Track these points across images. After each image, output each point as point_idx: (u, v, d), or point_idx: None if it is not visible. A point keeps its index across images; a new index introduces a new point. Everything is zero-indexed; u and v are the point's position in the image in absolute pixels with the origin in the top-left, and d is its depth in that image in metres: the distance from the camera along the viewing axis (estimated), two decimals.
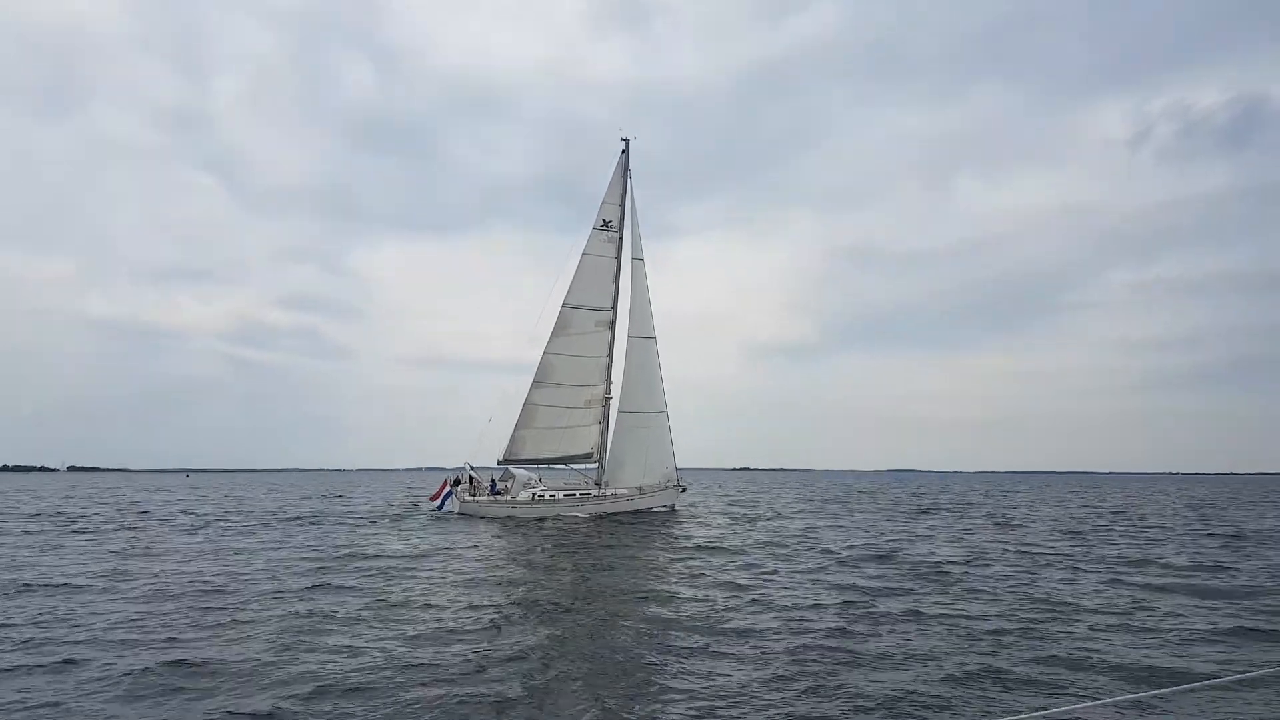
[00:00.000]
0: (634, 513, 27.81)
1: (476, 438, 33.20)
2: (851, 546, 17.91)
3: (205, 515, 28.47)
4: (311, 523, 24.83)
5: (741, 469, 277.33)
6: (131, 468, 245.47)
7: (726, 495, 48.62)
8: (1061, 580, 12.87)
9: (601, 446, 28.94)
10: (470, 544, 18.45)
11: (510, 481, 28.09)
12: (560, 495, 27.86)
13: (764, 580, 12.68)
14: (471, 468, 28.86)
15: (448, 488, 28.00)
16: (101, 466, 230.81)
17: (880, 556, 16.00)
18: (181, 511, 30.93)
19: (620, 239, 29.05)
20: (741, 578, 12.92)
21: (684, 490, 30.93)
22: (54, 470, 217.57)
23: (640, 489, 28.86)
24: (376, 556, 15.71)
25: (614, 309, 28.97)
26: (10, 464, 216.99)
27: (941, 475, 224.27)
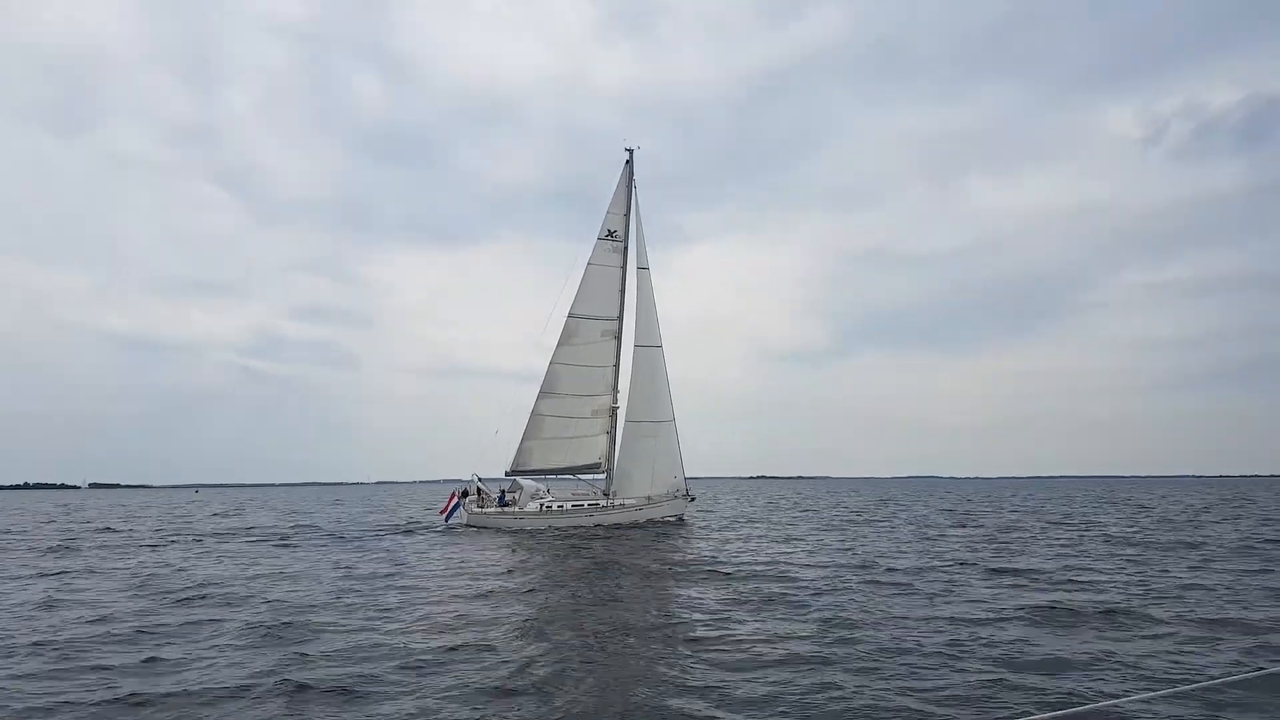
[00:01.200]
0: (642, 523, 27.64)
1: (483, 449, 33.27)
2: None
3: (280, 529, 28.66)
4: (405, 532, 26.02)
5: (759, 477, 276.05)
6: (152, 484, 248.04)
7: (740, 513, 48.00)
8: None
9: (609, 457, 28.84)
10: (476, 557, 18.40)
11: (518, 493, 28.06)
12: (568, 506, 27.78)
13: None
14: (479, 479, 28.86)
15: (455, 499, 27.98)
16: (122, 483, 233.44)
17: None
18: (251, 528, 30.71)
19: (625, 248, 29.07)
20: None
21: (693, 500, 30.73)
22: (76, 488, 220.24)
23: (648, 499, 28.70)
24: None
25: (620, 318, 28.95)
26: (32, 481, 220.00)
27: (963, 481, 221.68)
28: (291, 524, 32.09)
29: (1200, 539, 20.91)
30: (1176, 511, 36.12)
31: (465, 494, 28.36)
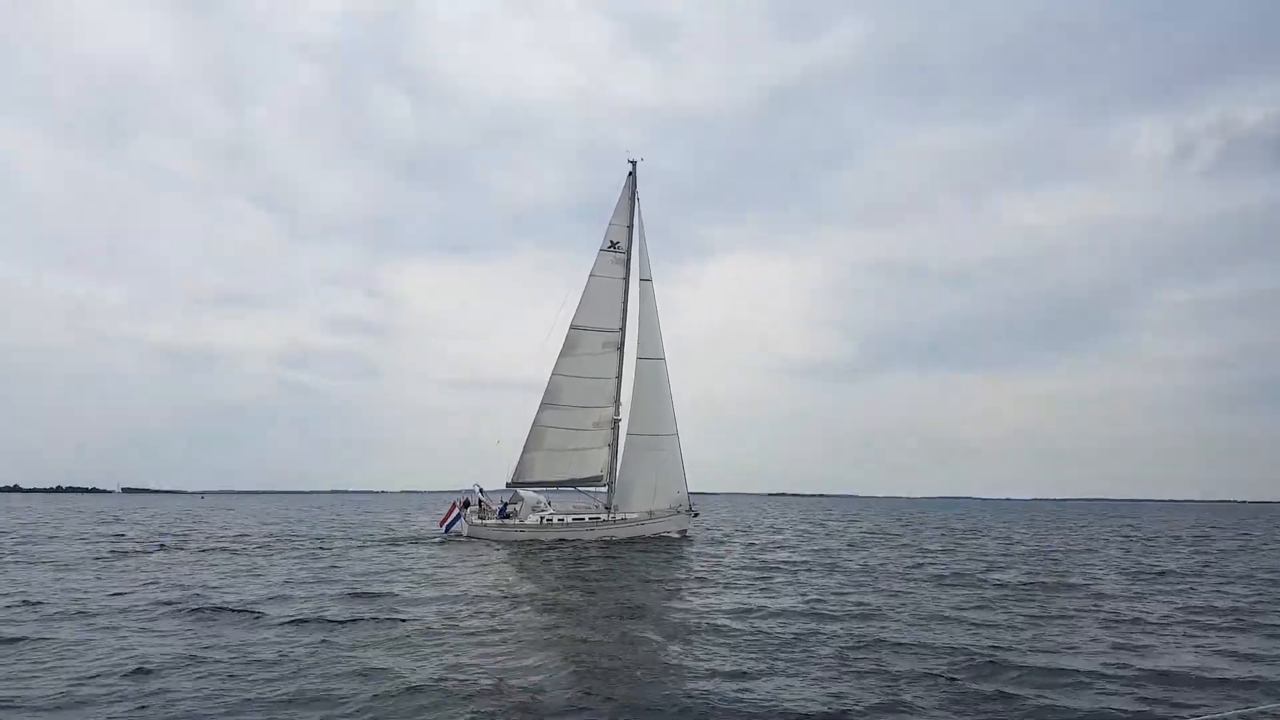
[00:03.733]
0: (643, 538, 27.30)
1: (486, 459, 33.20)
2: None
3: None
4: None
5: (779, 494, 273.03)
6: (185, 489, 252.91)
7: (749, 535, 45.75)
8: None
9: (610, 469, 28.60)
10: (472, 570, 18.26)
11: (519, 504, 27.91)
12: (569, 519, 27.55)
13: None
14: (481, 490, 28.78)
15: (456, 510, 27.92)
16: (153, 488, 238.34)
17: None
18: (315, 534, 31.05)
19: (628, 260, 28.95)
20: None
21: (696, 515, 30.30)
22: (108, 492, 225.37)
23: (650, 513, 28.37)
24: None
25: (622, 330, 28.79)
26: (64, 485, 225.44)
27: (992, 503, 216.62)
28: (273, 532, 32.29)
29: None
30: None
31: (467, 504, 28.29)
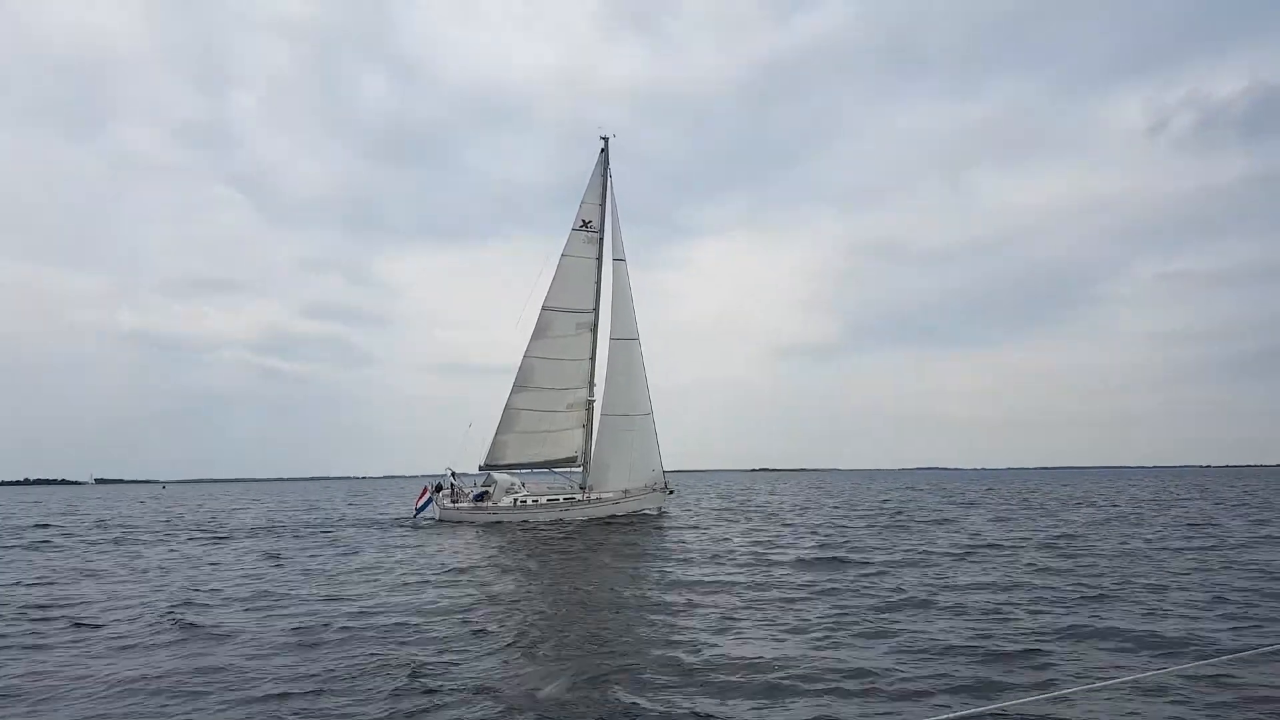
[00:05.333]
0: (619, 517, 27.28)
1: (459, 444, 32.94)
2: None
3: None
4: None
5: (761, 469, 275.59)
6: (160, 479, 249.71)
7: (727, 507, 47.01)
8: None
9: (585, 450, 28.48)
10: (440, 550, 18.07)
11: (493, 487, 27.74)
12: (543, 500, 27.45)
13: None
14: (453, 474, 28.55)
15: (428, 494, 27.69)
16: (126, 479, 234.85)
17: None
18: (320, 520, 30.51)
19: (601, 240, 28.60)
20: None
21: (671, 493, 30.35)
22: (80, 484, 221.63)
23: (626, 492, 28.36)
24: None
25: (595, 311, 28.53)
26: (32, 477, 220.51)
27: (969, 473, 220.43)
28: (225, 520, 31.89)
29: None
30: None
31: (439, 488, 28.06)
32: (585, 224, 28.40)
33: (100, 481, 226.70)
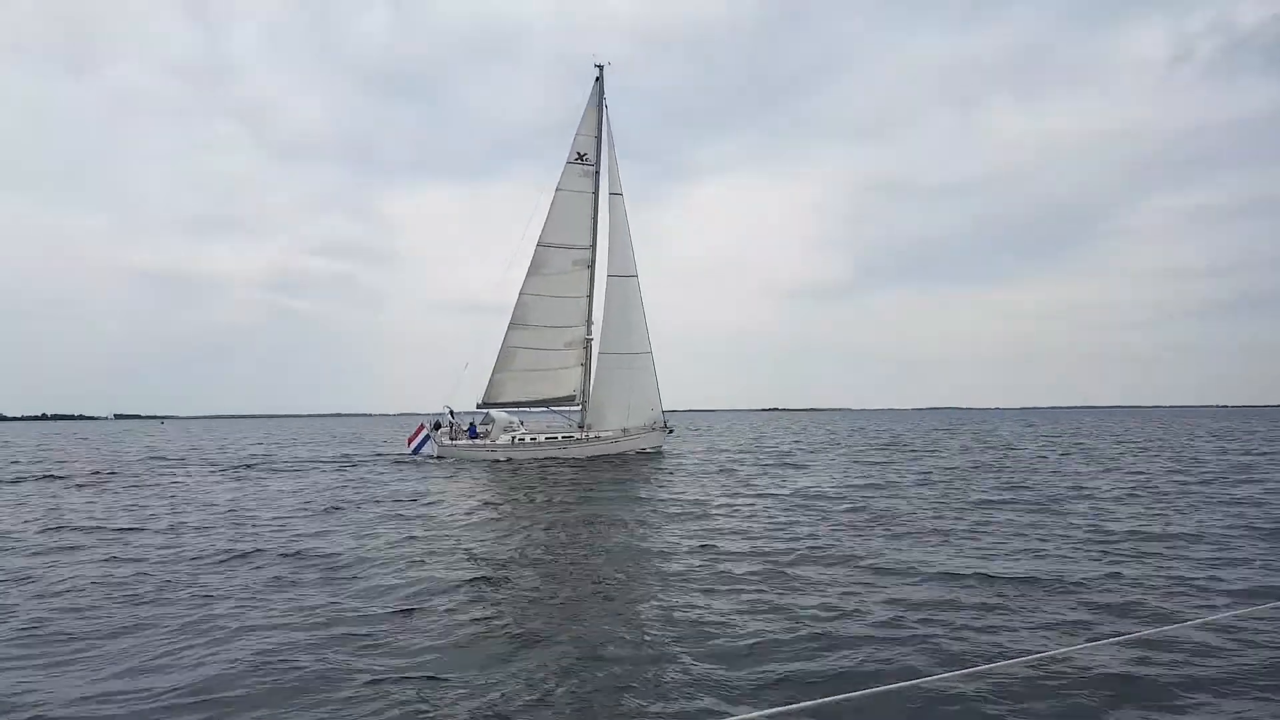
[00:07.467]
0: (618, 455, 27.33)
1: (469, 382, 32.79)
2: None
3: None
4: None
5: (771, 409, 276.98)
6: (178, 415, 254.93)
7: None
8: None
9: (583, 389, 28.36)
10: (445, 489, 18.12)
11: (490, 425, 27.78)
12: (541, 439, 27.49)
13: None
14: (452, 412, 28.56)
15: (425, 431, 27.77)
16: (143, 414, 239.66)
17: None
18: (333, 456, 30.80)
19: (597, 173, 27.75)
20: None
21: (670, 432, 30.34)
22: (99, 419, 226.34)
23: (624, 431, 28.35)
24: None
25: (593, 247, 27.92)
26: (50, 413, 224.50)
27: (982, 413, 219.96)
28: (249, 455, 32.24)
29: None
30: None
31: (437, 426, 28.12)
32: (580, 156, 27.50)
33: (119, 417, 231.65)
